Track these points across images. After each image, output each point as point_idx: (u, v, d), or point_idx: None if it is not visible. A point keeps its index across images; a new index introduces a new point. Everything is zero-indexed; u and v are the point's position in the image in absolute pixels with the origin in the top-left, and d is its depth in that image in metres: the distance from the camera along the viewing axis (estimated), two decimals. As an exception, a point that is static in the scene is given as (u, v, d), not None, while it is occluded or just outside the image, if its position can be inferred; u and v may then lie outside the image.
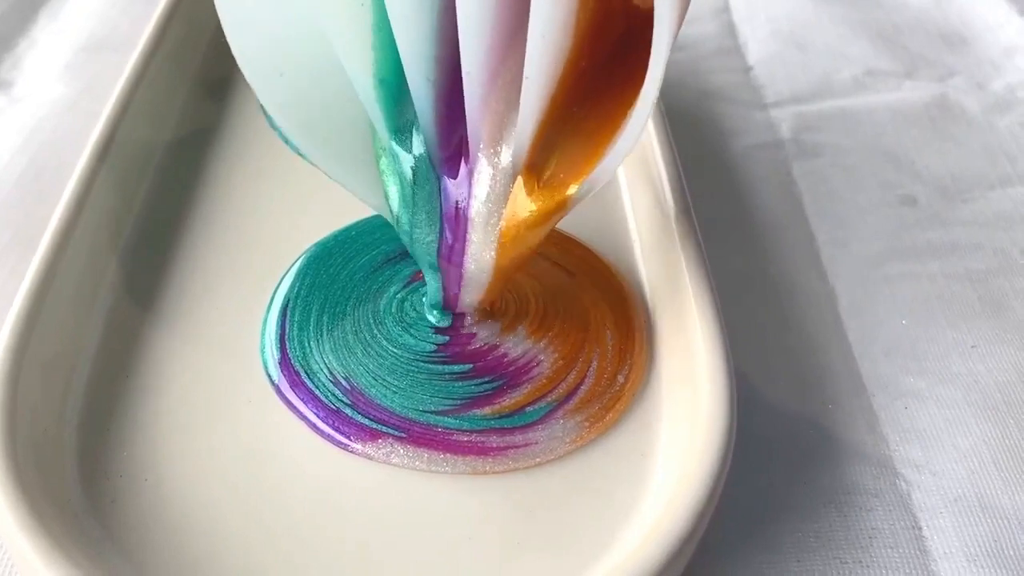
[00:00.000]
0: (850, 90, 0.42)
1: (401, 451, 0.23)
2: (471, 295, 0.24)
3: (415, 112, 0.21)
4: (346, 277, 0.28)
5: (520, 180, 0.21)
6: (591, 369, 0.25)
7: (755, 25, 0.46)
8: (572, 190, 0.21)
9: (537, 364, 0.25)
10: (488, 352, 0.25)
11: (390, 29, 0.20)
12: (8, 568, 0.23)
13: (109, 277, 0.27)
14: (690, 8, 0.50)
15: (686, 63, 0.43)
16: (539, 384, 0.24)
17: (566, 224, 0.29)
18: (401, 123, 0.22)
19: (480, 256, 0.22)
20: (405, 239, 0.24)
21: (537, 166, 0.21)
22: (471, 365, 0.25)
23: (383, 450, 0.23)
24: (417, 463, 0.23)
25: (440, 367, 0.25)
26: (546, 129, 0.20)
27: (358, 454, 0.23)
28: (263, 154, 0.32)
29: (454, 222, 0.22)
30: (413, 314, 0.26)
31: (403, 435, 0.23)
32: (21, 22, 0.45)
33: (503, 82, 0.20)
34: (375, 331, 0.25)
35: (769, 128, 0.39)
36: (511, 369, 0.25)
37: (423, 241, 0.23)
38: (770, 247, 0.33)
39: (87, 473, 0.22)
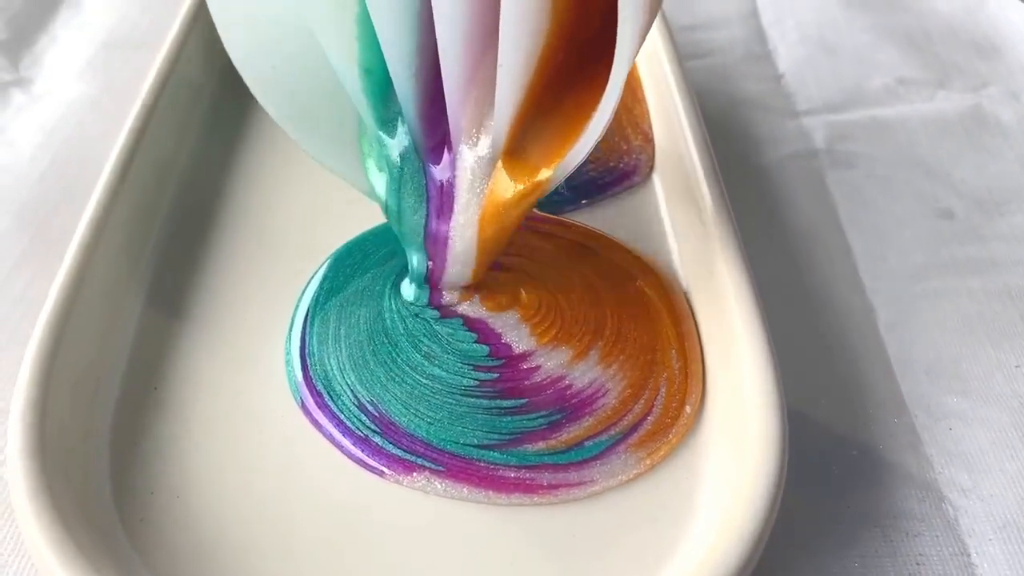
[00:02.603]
0: (882, 99, 0.41)
1: (439, 486, 0.22)
2: (458, 271, 0.24)
3: (400, 105, 0.23)
4: (358, 279, 0.27)
5: (500, 164, 0.22)
6: (659, 397, 0.24)
7: (784, 30, 0.46)
8: (546, 174, 0.22)
9: (603, 394, 0.24)
10: (550, 385, 0.24)
11: None
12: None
13: (136, 286, 0.26)
14: (719, 12, 0.49)
15: (716, 69, 0.43)
16: (602, 416, 0.23)
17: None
18: (388, 115, 0.23)
19: (463, 235, 0.23)
20: (393, 223, 0.24)
21: (515, 152, 0.22)
22: (525, 400, 0.23)
23: (419, 483, 0.22)
24: (456, 498, 0.22)
25: (485, 401, 0.23)
26: (524, 118, 0.21)
27: (392, 481, 0.22)
28: (292, 157, 0.32)
29: (439, 205, 0.23)
30: (428, 342, 0.24)
31: (441, 469, 0.22)
32: (41, 18, 0.44)
33: (483, 76, 0.21)
34: (394, 355, 0.24)
35: (802, 137, 0.38)
36: (574, 402, 0.23)
37: (410, 224, 0.24)
38: (807, 259, 0.32)
39: (117, 490, 0.21)
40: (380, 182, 0.24)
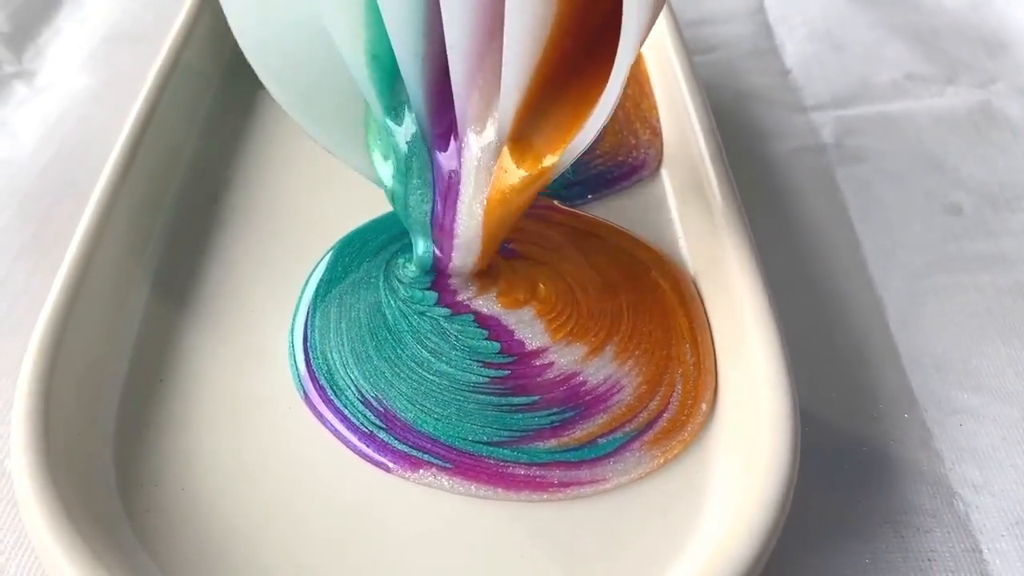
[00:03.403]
0: (890, 95, 0.41)
1: (446, 483, 0.21)
2: (463, 258, 0.24)
3: (407, 93, 0.23)
4: (355, 271, 0.26)
5: (506, 150, 0.22)
6: (675, 394, 0.23)
7: (791, 26, 0.45)
8: (551, 160, 0.22)
9: (618, 391, 0.23)
10: (563, 382, 0.23)
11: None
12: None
13: (141, 277, 0.26)
14: (725, 8, 0.49)
15: (722, 64, 0.42)
16: (617, 413, 0.23)
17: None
18: (395, 103, 0.23)
19: (469, 222, 0.23)
20: (399, 209, 0.24)
21: (521, 138, 0.22)
22: (537, 397, 0.23)
23: (426, 480, 0.21)
24: (464, 495, 0.21)
25: (495, 398, 0.23)
26: (530, 105, 0.21)
27: (398, 476, 0.22)
28: (297, 147, 0.31)
29: (445, 192, 0.23)
30: (434, 339, 0.24)
31: (448, 466, 0.22)
32: (45, 11, 0.44)
33: (489, 64, 0.21)
34: (398, 351, 0.24)
35: (811, 132, 0.38)
36: (588, 398, 0.23)
37: (417, 210, 0.24)
38: (815, 254, 0.32)
39: (122, 482, 0.21)
40: (386, 170, 0.24)
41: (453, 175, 0.23)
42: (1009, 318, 0.30)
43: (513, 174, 0.22)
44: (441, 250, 0.24)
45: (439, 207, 0.24)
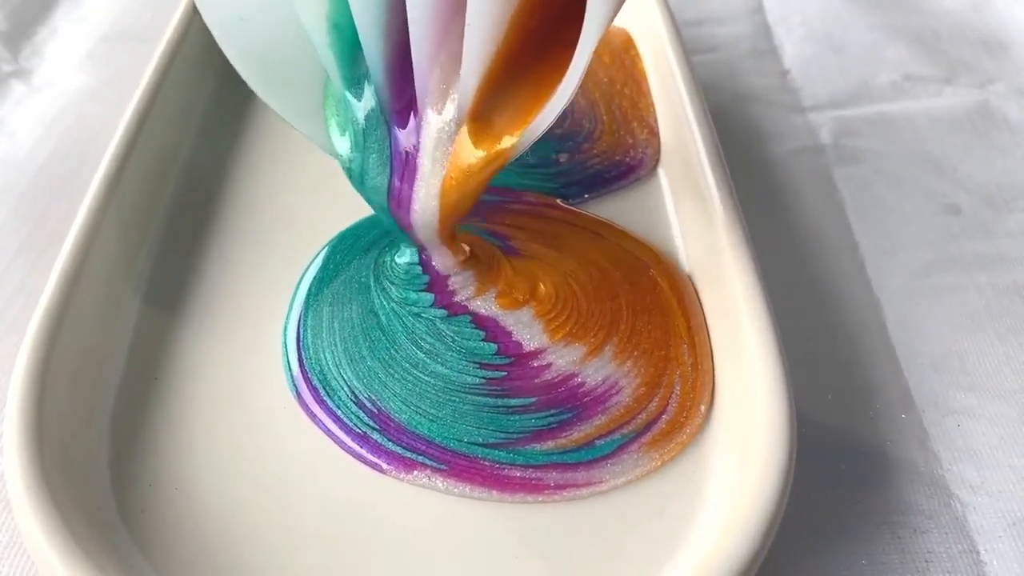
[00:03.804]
0: (889, 95, 0.41)
1: (440, 484, 0.21)
2: (423, 233, 0.24)
3: (368, 65, 0.22)
4: (345, 270, 0.26)
5: (464, 129, 0.22)
6: (674, 395, 0.23)
7: (790, 27, 0.45)
8: (510, 141, 0.21)
9: (617, 392, 0.23)
10: (561, 383, 0.23)
11: None
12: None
13: (136, 276, 0.26)
14: (724, 8, 0.49)
15: (721, 64, 0.42)
16: (615, 415, 0.23)
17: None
18: (355, 75, 0.23)
19: (427, 199, 0.23)
20: (356, 186, 0.24)
21: (481, 117, 0.22)
22: (535, 399, 0.23)
23: (420, 481, 0.21)
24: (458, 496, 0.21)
25: (491, 400, 0.23)
26: (492, 84, 0.21)
27: (392, 477, 0.22)
28: (292, 147, 0.31)
29: (403, 168, 0.23)
30: (430, 340, 0.24)
31: (443, 467, 0.21)
32: (42, 9, 0.44)
33: (452, 41, 0.21)
34: (392, 352, 0.24)
35: (809, 132, 0.38)
36: (586, 400, 0.23)
37: (373, 185, 0.23)
38: (813, 254, 0.32)
39: (116, 481, 0.21)
40: (343, 143, 0.24)
41: (411, 151, 0.23)
42: (1007, 318, 0.30)
43: (471, 153, 0.22)
44: (400, 225, 0.24)
45: (396, 183, 0.23)
